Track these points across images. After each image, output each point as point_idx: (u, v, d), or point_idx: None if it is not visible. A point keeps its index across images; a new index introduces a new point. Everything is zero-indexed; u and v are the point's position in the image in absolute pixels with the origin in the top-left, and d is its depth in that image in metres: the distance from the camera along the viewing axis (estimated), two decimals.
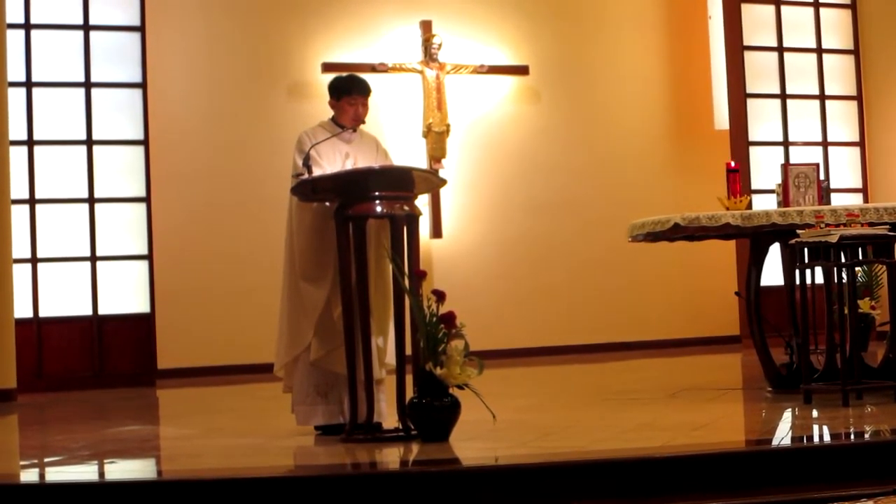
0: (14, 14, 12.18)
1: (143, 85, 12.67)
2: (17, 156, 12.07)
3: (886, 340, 8.78)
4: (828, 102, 15.18)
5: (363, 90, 7.65)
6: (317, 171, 7.30)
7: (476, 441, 6.85)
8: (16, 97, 12.11)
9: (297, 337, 7.46)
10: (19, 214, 12.03)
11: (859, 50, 15.30)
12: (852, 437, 6.79)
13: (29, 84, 12.39)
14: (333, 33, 13.62)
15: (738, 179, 9.15)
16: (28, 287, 12.19)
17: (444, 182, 7.92)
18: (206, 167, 13.13)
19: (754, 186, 14.23)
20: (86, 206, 12.48)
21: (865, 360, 8.70)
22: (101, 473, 6.75)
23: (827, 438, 6.91)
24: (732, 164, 9.49)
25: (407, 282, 7.03)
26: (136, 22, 12.72)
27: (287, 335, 7.52)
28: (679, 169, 14.68)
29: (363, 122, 7.69)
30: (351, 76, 7.82)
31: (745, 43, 14.78)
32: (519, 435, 7.08)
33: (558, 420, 7.96)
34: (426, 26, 13.82)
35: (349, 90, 7.64)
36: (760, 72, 14.90)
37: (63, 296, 12.37)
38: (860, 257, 7.96)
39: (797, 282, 8.28)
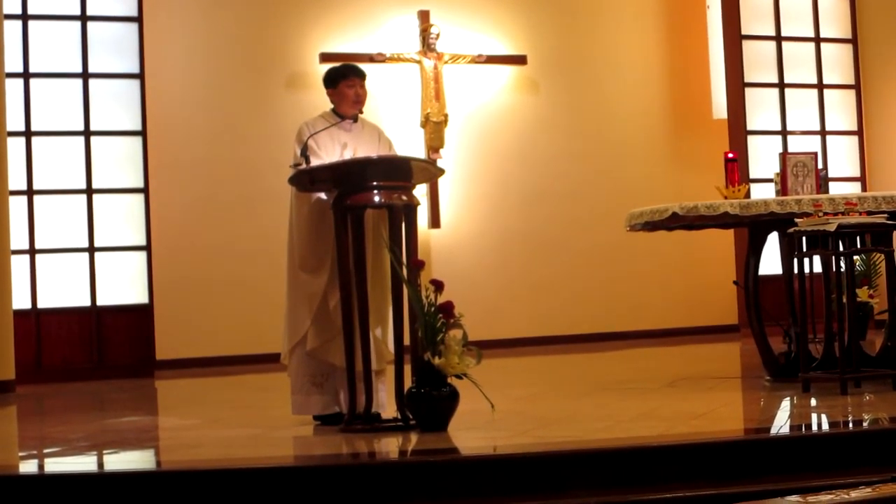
0: (11, 5, 12.18)
1: (140, 76, 12.67)
2: (15, 147, 12.06)
3: (885, 329, 8.79)
4: (826, 91, 15.18)
5: (359, 73, 7.67)
6: (315, 162, 7.30)
7: (474, 431, 6.86)
8: (13, 88, 12.10)
9: (296, 326, 7.47)
10: (17, 205, 12.03)
11: (857, 39, 15.29)
12: (850, 425, 6.80)
13: (26, 75, 12.39)
14: (331, 23, 13.61)
15: (737, 169, 9.15)
16: (26, 278, 12.20)
17: (442, 172, 7.94)
18: (205, 158, 13.11)
19: (752, 175, 14.24)
20: (84, 196, 12.48)
21: (864, 348, 8.71)
22: (100, 464, 6.75)
23: (825, 427, 6.91)
24: (730, 153, 9.48)
25: (405, 272, 7.03)
26: (134, 12, 12.72)
27: (288, 325, 7.54)
28: (677, 158, 14.68)
29: (363, 104, 7.68)
30: (344, 63, 7.87)
31: (744, 32, 14.78)
32: (517, 424, 7.09)
33: (557, 409, 7.96)
34: (424, 16, 13.81)
35: (345, 74, 7.65)
36: (758, 61, 14.90)
37: (61, 287, 12.37)
38: (858, 246, 7.96)
39: (795, 271, 8.28)
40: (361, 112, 7.70)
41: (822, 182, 9.17)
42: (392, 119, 13.16)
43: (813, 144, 14.77)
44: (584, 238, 14.32)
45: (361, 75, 7.66)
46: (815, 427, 7.01)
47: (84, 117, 12.52)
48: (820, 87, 15.16)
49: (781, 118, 14.96)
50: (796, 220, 8.05)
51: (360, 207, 7.13)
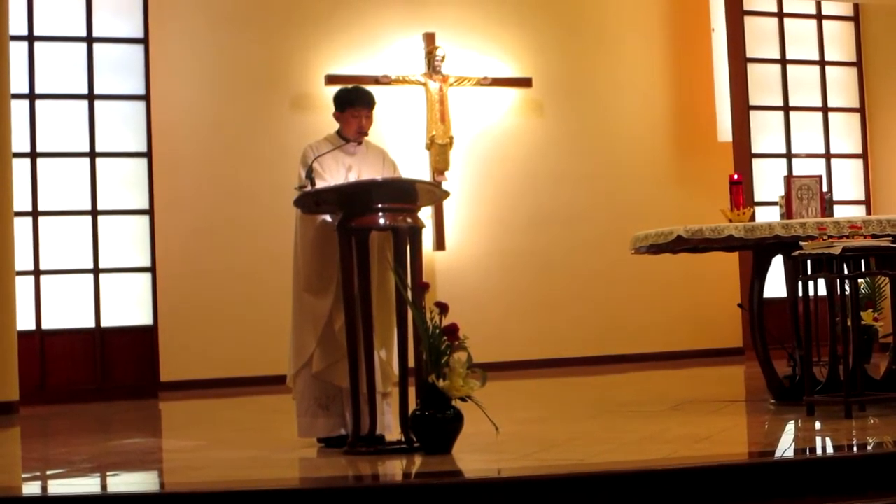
0: (17, 26, 12.20)
1: (146, 97, 12.68)
2: (21, 168, 12.07)
3: (889, 352, 8.78)
4: (831, 114, 15.21)
5: (366, 102, 7.65)
6: (320, 184, 7.31)
7: (479, 453, 6.84)
8: (19, 109, 12.12)
9: (302, 349, 7.47)
10: (22, 226, 12.03)
11: (862, 62, 15.32)
12: (855, 449, 6.78)
13: (32, 96, 12.41)
14: (337, 45, 13.63)
15: (741, 191, 9.15)
16: (31, 299, 12.20)
17: (447, 194, 7.93)
18: (210, 179, 13.12)
19: (757, 198, 14.24)
20: (89, 218, 12.49)
21: (868, 371, 8.71)
22: (104, 486, 6.75)
23: (830, 450, 6.90)
24: (735, 175, 9.49)
25: (410, 294, 7.03)
26: (140, 34, 12.74)
27: (293, 347, 7.54)
28: (682, 181, 14.68)
29: (366, 135, 7.69)
30: (356, 88, 7.81)
31: (748, 55, 14.81)
32: (522, 447, 7.07)
33: (561, 432, 7.95)
34: (429, 38, 13.82)
35: (353, 102, 7.64)
36: (763, 84, 14.93)
37: (66, 308, 12.37)
38: (863, 269, 7.95)
39: (800, 294, 8.27)
40: (366, 135, 7.71)
41: (827, 205, 9.17)
42: (397, 141, 13.16)
43: (818, 167, 14.80)
44: (589, 260, 14.31)
45: (369, 105, 7.65)
46: (819, 451, 6.99)
47: (89, 139, 12.54)
48: (825, 110, 15.19)
49: (786, 141, 14.97)
50: (801, 243, 8.05)
51: (365, 229, 7.14)
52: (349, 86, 7.96)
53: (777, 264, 8.99)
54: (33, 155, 12.37)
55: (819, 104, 15.18)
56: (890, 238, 7.99)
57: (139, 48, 12.75)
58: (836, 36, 15.34)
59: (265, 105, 13.39)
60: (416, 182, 7.56)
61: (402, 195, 7.29)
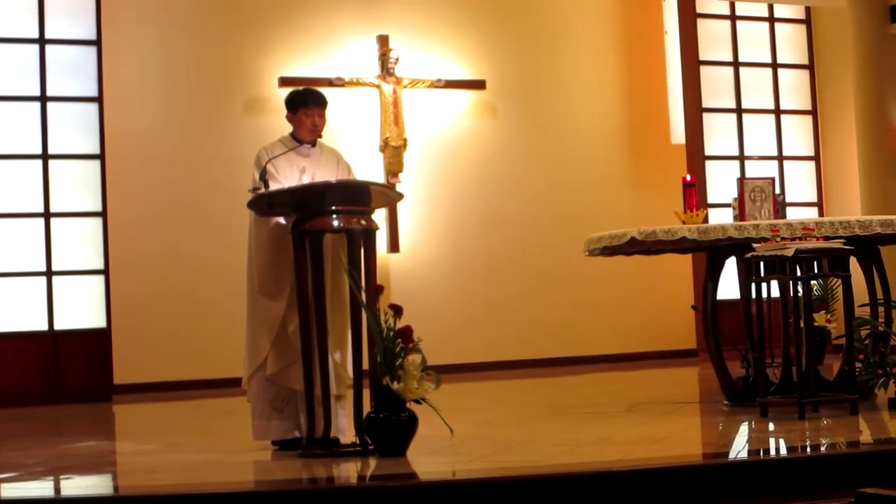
0: None
1: (98, 99, 12.61)
2: None
3: (842, 353, 8.83)
4: (783, 117, 15.30)
5: (319, 101, 7.66)
6: (273, 186, 7.30)
7: (433, 455, 6.84)
8: None
9: (256, 351, 7.45)
10: None
11: (814, 64, 15.42)
12: (808, 449, 6.82)
13: None
14: (290, 48, 13.60)
15: (695, 193, 9.19)
16: None
17: (401, 196, 7.94)
18: (163, 181, 13.06)
19: (710, 200, 14.30)
20: (41, 220, 12.41)
21: (821, 373, 8.76)
22: (57, 489, 6.70)
23: (783, 451, 6.93)
24: (689, 178, 9.52)
25: (364, 296, 7.02)
26: (93, 36, 12.67)
27: (247, 350, 7.52)
28: (636, 183, 14.72)
29: (321, 134, 7.69)
30: (307, 89, 7.84)
31: (701, 58, 14.88)
32: (476, 449, 7.07)
33: (516, 434, 7.96)
34: (383, 41, 13.82)
35: (305, 101, 7.64)
36: (716, 86, 15.01)
37: (18, 311, 12.28)
38: (815, 271, 7.99)
39: (753, 295, 8.32)
40: (320, 137, 7.71)
41: (780, 207, 9.22)
42: (351, 143, 13.14)
43: (770, 169, 14.88)
44: (543, 262, 14.33)
45: (322, 104, 7.66)
46: (773, 451, 7.02)
47: (42, 140, 12.46)
48: (777, 112, 15.28)
49: (739, 143, 15.06)
50: (754, 244, 8.09)
51: (318, 232, 7.12)
52: (300, 87, 7.97)
53: (730, 266, 9.02)
54: None
55: (771, 106, 15.27)
56: (842, 240, 8.04)
57: (92, 50, 12.68)
58: (788, 39, 15.44)
59: (219, 107, 13.34)
60: (370, 184, 7.55)
61: (356, 197, 7.28)
